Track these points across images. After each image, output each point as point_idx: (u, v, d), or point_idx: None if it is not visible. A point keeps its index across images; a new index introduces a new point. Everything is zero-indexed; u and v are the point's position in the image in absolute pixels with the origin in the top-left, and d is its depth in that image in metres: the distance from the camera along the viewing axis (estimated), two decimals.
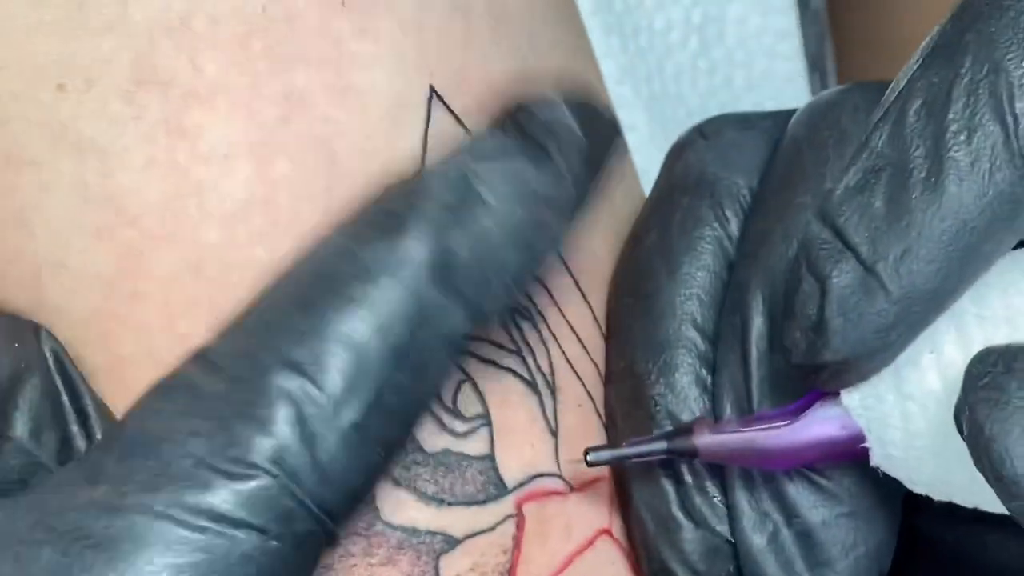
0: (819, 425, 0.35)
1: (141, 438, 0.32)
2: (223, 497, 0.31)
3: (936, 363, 0.34)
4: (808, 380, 0.35)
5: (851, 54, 0.61)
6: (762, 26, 0.57)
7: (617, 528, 0.39)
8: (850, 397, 0.35)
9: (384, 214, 0.33)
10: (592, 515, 0.38)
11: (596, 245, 0.40)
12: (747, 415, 0.37)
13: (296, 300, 0.32)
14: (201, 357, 0.32)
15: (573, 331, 0.39)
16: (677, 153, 0.40)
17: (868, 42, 0.61)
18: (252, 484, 0.31)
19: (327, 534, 0.32)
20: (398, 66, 0.36)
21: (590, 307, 0.39)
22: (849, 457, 0.35)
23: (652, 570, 0.38)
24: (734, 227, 0.38)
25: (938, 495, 0.35)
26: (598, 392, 0.39)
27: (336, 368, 0.31)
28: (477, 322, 0.33)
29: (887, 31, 0.60)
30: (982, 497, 0.33)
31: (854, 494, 0.36)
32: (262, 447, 0.31)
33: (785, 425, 0.35)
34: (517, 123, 0.35)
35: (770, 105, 0.57)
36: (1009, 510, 0.32)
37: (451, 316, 0.33)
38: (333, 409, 0.31)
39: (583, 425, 0.39)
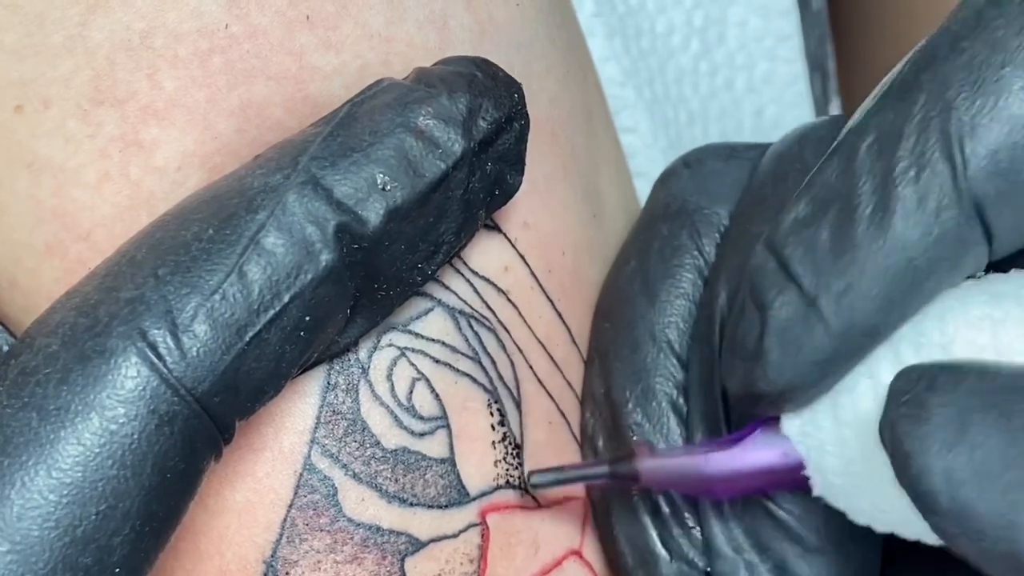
0: (759, 452, 0.35)
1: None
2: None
3: (872, 389, 0.34)
4: (747, 408, 0.35)
5: (852, 56, 0.61)
6: (763, 29, 0.57)
7: (587, 550, 0.39)
8: (790, 425, 0.35)
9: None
10: (561, 534, 0.39)
11: (582, 265, 0.40)
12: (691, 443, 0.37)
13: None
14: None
15: (543, 347, 0.39)
16: (661, 183, 0.40)
17: (869, 44, 0.61)
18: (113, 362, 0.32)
19: (196, 417, 0.32)
20: (359, 77, 0.37)
21: (566, 326, 0.40)
22: (792, 485, 0.36)
23: None
24: (712, 255, 0.39)
25: (879, 525, 0.35)
26: (572, 410, 0.40)
27: None
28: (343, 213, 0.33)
29: (888, 33, 0.60)
30: (920, 527, 0.33)
31: (821, 532, 0.37)
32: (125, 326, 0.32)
33: (725, 451, 0.36)
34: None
35: (771, 108, 0.57)
36: (929, 525, 0.32)
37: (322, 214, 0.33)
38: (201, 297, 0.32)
39: (553, 442, 0.39)
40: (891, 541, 0.38)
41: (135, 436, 0.31)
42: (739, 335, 0.34)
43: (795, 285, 0.34)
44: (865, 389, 0.34)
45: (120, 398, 0.31)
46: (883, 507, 0.34)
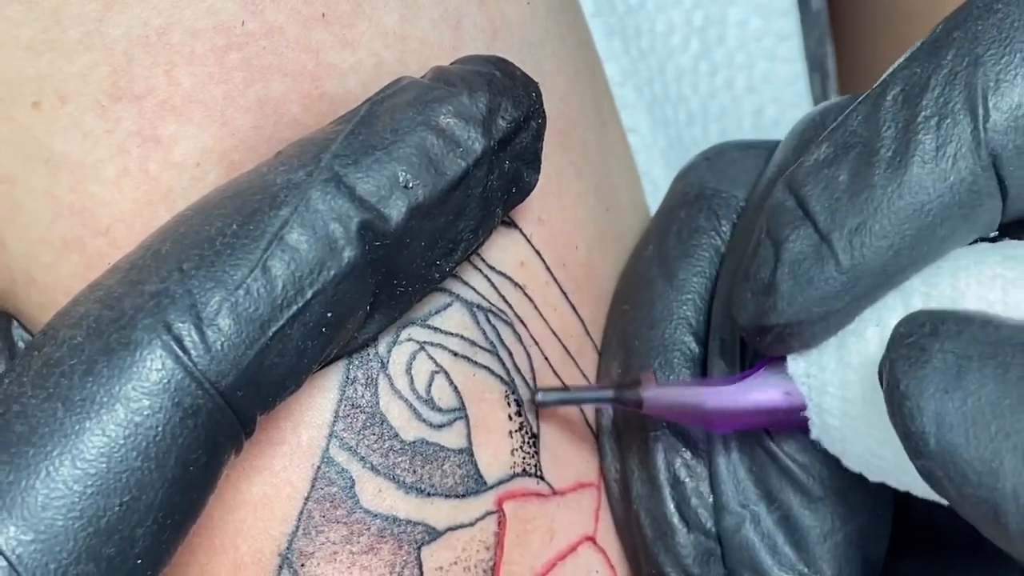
0: (762, 389, 0.36)
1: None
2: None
3: (880, 335, 0.34)
4: (754, 342, 0.36)
5: (852, 56, 0.61)
6: (763, 28, 0.57)
7: (601, 536, 0.40)
8: (796, 365, 0.36)
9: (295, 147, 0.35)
10: (576, 521, 0.39)
11: (595, 259, 0.41)
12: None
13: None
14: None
15: (558, 339, 0.40)
16: (681, 176, 0.41)
17: (869, 44, 0.61)
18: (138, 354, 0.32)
19: (219, 410, 0.32)
20: (375, 75, 0.37)
21: (580, 318, 0.40)
22: (792, 425, 0.36)
23: (649, 574, 0.39)
24: (729, 235, 0.39)
25: (872, 474, 0.36)
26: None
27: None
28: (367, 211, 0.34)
29: (888, 33, 0.60)
30: (909, 477, 0.34)
31: (826, 481, 0.37)
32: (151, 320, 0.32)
33: (728, 386, 0.36)
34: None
35: (771, 107, 0.58)
36: (916, 468, 0.32)
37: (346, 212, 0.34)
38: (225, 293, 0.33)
39: (568, 431, 0.39)
40: (902, 534, 0.39)
41: (159, 428, 0.32)
42: (753, 268, 0.35)
43: (811, 222, 0.34)
44: (872, 334, 0.35)
45: (145, 390, 0.32)
46: (876, 452, 0.35)
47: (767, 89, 0.57)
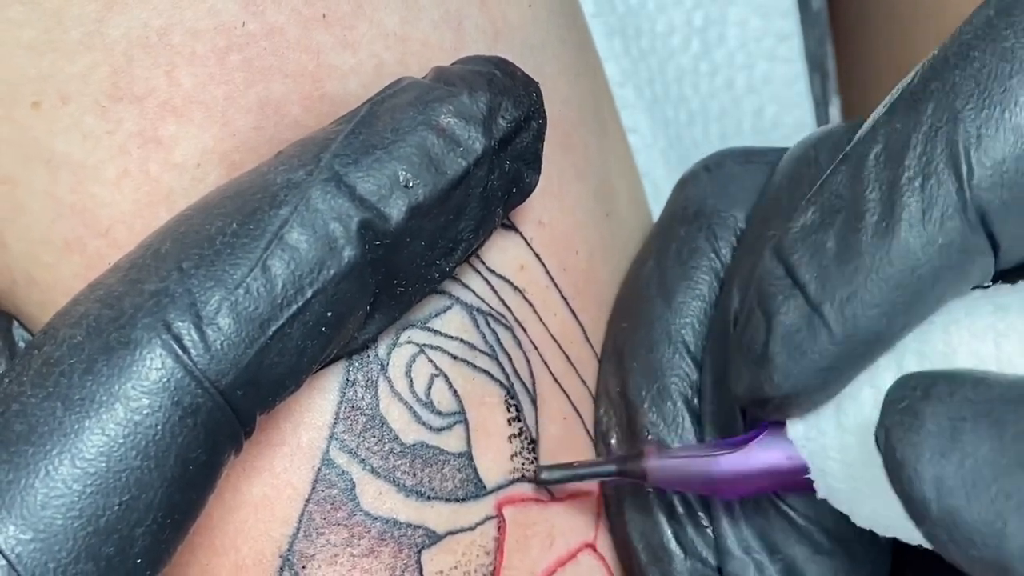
0: (764, 454, 0.36)
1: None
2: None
3: (874, 397, 0.34)
4: (752, 412, 0.36)
5: (852, 56, 0.61)
6: (763, 29, 0.57)
7: (602, 543, 0.40)
8: (795, 428, 0.35)
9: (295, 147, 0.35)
10: (576, 527, 0.39)
11: (596, 264, 0.41)
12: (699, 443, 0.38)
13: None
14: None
15: (557, 344, 0.39)
16: (681, 186, 0.41)
17: (869, 44, 0.61)
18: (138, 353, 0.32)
19: (219, 410, 0.32)
20: (375, 76, 0.37)
21: (580, 324, 0.40)
22: (797, 488, 0.36)
23: None
24: (728, 258, 0.39)
25: (881, 530, 0.35)
26: (586, 407, 0.40)
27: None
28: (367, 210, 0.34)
29: (888, 33, 0.60)
30: (919, 533, 0.33)
31: (833, 533, 0.37)
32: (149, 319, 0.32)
33: (731, 453, 0.36)
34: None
35: (771, 107, 0.58)
36: (921, 534, 0.32)
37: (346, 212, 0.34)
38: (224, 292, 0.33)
39: (568, 438, 0.39)
40: (904, 544, 0.39)
41: (159, 427, 0.32)
42: (746, 340, 0.35)
43: (801, 291, 0.34)
44: (868, 397, 0.34)
45: (144, 389, 0.32)
46: (883, 513, 0.35)
47: (767, 89, 0.57)
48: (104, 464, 0.31)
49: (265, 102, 0.36)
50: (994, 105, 0.33)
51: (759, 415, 0.36)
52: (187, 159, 0.36)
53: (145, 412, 0.32)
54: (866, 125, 0.35)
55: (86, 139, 0.36)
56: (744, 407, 0.36)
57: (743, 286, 0.38)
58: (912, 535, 0.34)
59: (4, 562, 0.31)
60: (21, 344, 0.39)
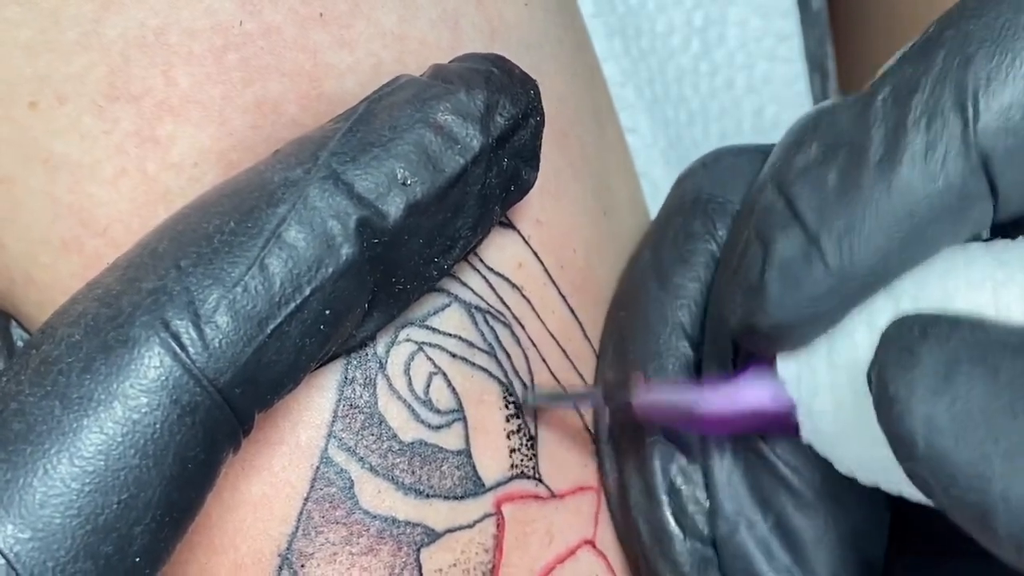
0: (751, 392, 0.36)
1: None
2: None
3: (869, 336, 0.34)
4: (744, 342, 0.36)
5: (852, 56, 0.61)
6: (763, 29, 0.57)
7: (601, 539, 0.39)
8: (785, 367, 0.35)
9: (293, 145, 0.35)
10: (575, 524, 0.39)
11: (593, 262, 0.41)
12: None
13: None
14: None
15: (556, 341, 0.39)
16: (679, 183, 0.41)
17: (869, 44, 0.61)
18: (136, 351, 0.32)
19: (217, 408, 0.32)
20: (373, 75, 0.37)
21: (578, 321, 0.40)
22: (783, 428, 0.36)
23: None
24: (725, 240, 0.39)
25: (864, 477, 0.35)
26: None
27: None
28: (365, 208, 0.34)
29: (888, 33, 0.60)
30: (900, 479, 0.33)
31: (818, 484, 0.37)
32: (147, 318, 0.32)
33: (717, 387, 0.36)
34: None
35: (771, 107, 0.58)
36: (904, 471, 0.32)
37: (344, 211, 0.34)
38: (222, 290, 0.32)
39: (566, 434, 0.39)
40: (900, 535, 0.39)
41: (157, 426, 0.32)
42: (742, 269, 0.35)
43: (799, 223, 0.34)
44: (862, 336, 0.34)
45: (143, 387, 0.32)
46: (867, 456, 0.35)
47: (767, 89, 0.57)
48: (102, 463, 0.31)
49: (262, 101, 0.36)
50: (1006, 52, 0.33)
51: (751, 346, 0.36)
52: (184, 158, 0.36)
53: (143, 411, 0.32)
54: (878, 74, 0.35)
55: (83, 139, 0.36)
56: (736, 337, 0.36)
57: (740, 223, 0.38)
58: (891, 482, 0.34)
59: (3, 561, 0.31)
60: (19, 343, 0.39)
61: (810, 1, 0.58)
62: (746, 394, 0.36)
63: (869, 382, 0.32)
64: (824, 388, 0.35)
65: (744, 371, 0.36)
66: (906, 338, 0.32)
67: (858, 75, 0.61)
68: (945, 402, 0.31)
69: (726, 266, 0.38)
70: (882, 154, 0.34)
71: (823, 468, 0.37)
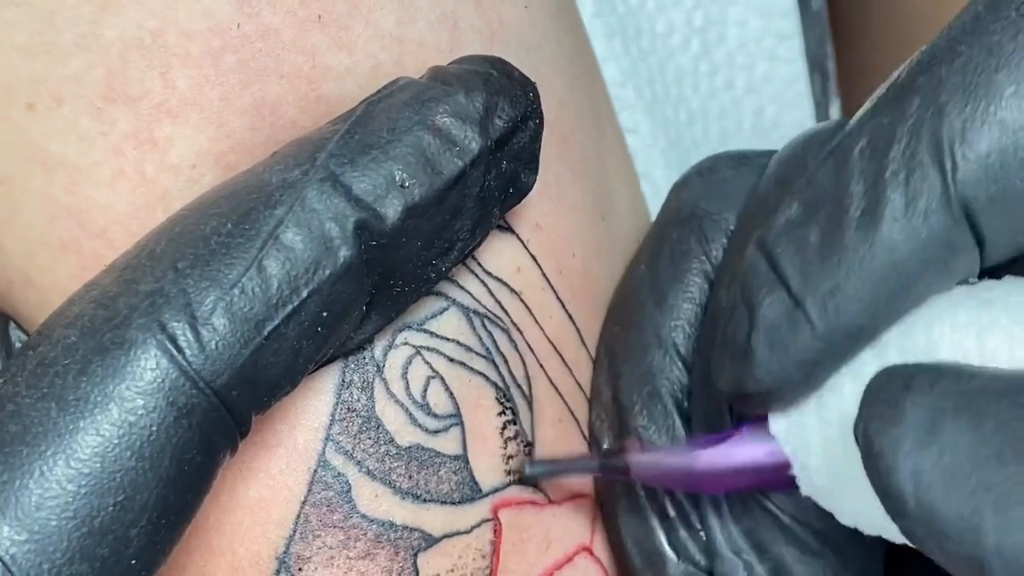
0: (746, 449, 0.36)
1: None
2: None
3: (856, 391, 0.34)
4: (734, 406, 0.36)
5: (852, 56, 0.61)
6: (763, 29, 0.57)
7: (598, 546, 0.39)
8: (777, 424, 0.35)
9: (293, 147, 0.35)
10: (572, 530, 0.39)
11: (592, 267, 0.41)
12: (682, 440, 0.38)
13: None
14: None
15: (553, 347, 0.39)
16: (675, 191, 0.40)
17: (869, 44, 0.61)
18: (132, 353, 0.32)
19: (214, 410, 0.32)
20: (372, 77, 0.37)
21: (576, 327, 0.40)
22: (780, 485, 0.36)
23: None
24: (719, 259, 0.39)
25: (865, 528, 0.35)
26: (581, 409, 0.40)
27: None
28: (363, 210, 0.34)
29: (888, 33, 0.60)
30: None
31: (820, 533, 0.37)
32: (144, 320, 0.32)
33: (712, 448, 0.36)
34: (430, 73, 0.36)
35: (771, 107, 0.58)
36: (899, 528, 0.32)
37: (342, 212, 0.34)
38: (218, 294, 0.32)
39: (563, 440, 0.39)
40: (899, 547, 0.39)
41: (153, 428, 0.32)
42: (728, 333, 0.35)
43: (783, 285, 0.34)
44: (849, 390, 0.34)
45: (139, 389, 0.32)
46: (865, 510, 0.34)
47: (767, 89, 0.57)
48: (99, 465, 0.31)
49: (261, 103, 0.36)
50: (979, 99, 0.33)
51: (741, 409, 0.36)
52: (183, 160, 0.36)
53: (140, 412, 0.32)
54: (853, 120, 0.35)
55: (81, 140, 0.36)
56: (728, 401, 0.36)
57: (728, 282, 0.38)
58: (896, 533, 0.34)
59: None
60: (18, 344, 0.39)
61: (810, 1, 0.58)
62: (741, 452, 0.36)
63: (856, 438, 0.32)
64: (816, 444, 0.35)
65: (738, 429, 0.36)
66: (889, 391, 0.32)
67: (858, 75, 0.61)
68: (932, 455, 0.31)
69: (713, 325, 0.38)
70: (863, 211, 0.33)
71: (825, 519, 0.36)
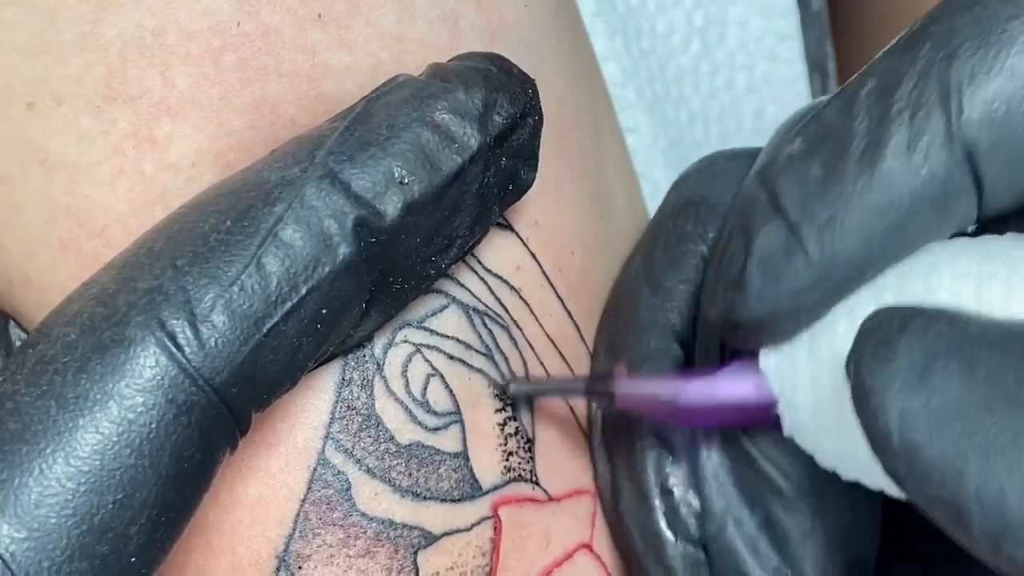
0: (733, 384, 0.36)
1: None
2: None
3: (850, 330, 0.34)
4: (726, 337, 0.36)
5: (852, 56, 0.61)
6: (763, 29, 0.57)
7: (598, 544, 0.39)
8: (767, 359, 0.35)
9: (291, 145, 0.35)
10: (572, 527, 0.39)
11: (590, 264, 0.41)
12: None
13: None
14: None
15: (553, 344, 0.39)
16: (674, 187, 0.41)
17: (869, 44, 0.61)
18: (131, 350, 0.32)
19: (214, 407, 0.32)
20: (372, 75, 0.37)
21: (575, 324, 0.40)
22: (765, 422, 0.36)
23: None
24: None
25: (845, 472, 0.35)
26: (580, 406, 0.40)
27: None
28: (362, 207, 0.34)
29: (888, 33, 0.60)
30: (881, 475, 0.33)
31: (802, 481, 0.37)
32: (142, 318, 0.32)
33: (699, 379, 0.36)
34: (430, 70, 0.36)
35: (771, 107, 0.58)
36: (881, 466, 0.32)
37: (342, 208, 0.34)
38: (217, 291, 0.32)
39: (563, 437, 0.39)
40: (894, 534, 0.39)
41: (153, 425, 0.32)
42: (723, 263, 0.35)
43: (781, 216, 0.34)
44: (844, 329, 0.34)
45: (138, 387, 0.32)
46: (848, 450, 0.34)
47: (767, 89, 0.57)
48: (98, 462, 0.31)
49: (260, 102, 0.36)
50: (990, 45, 0.33)
51: (732, 343, 0.35)
52: (182, 159, 0.36)
53: (139, 410, 0.32)
54: (864, 67, 0.35)
55: (81, 140, 0.36)
56: (720, 335, 0.36)
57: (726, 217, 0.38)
58: (872, 477, 0.34)
59: None
60: (18, 343, 0.39)
61: (810, 1, 0.58)
62: (728, 387, 0.36)
63: (847, 374, 0.32)
64: (805, 382, 0.35)
65: (727, 364, 0.36)
66: (884, 331, 0.32)
67: None
68: (921, 397, 0.31)
69: (712, 262, 0.38)
70: (865, 146, 0.33)
71: (808, 466, 0.36)
